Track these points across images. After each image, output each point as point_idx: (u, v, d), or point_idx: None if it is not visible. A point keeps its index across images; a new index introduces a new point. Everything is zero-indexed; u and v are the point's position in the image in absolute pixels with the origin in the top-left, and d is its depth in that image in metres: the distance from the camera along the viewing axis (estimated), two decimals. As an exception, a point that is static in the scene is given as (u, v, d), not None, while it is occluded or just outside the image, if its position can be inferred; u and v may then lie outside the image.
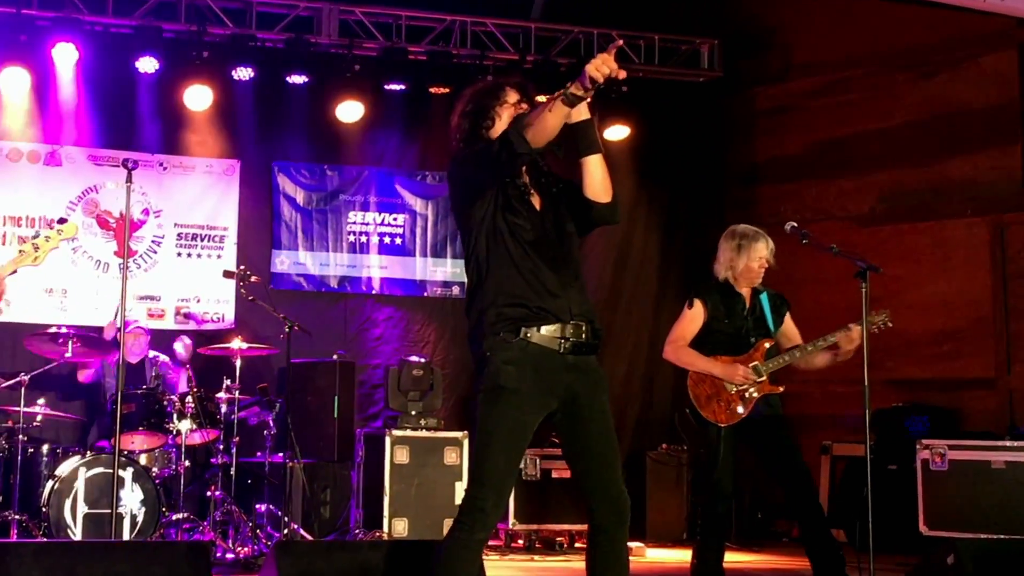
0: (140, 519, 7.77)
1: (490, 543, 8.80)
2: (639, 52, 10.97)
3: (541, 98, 4.20)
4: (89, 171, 9.99)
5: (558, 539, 9.35)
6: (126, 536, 7.60)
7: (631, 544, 6.23)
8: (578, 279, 4.31)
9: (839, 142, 11.03)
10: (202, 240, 10.28)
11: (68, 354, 8.08)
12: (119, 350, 6.48)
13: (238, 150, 10.41)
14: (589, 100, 4.07)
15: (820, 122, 11.17)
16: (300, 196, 10.64)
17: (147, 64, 9.62)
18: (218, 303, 10.23)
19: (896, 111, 10.71)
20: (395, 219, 10.87)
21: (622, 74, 3.90)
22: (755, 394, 6.17)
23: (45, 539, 7.37)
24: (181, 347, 9.13)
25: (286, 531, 8.25)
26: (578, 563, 4.42)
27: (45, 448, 8.14)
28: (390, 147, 10.85)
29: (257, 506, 8.42)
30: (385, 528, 8.78)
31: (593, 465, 4.23)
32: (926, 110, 10.55)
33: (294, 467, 8.81)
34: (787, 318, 6.42)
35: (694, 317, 6.31)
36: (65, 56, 9.46)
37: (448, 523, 4.23)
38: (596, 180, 4.26)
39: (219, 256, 10.27)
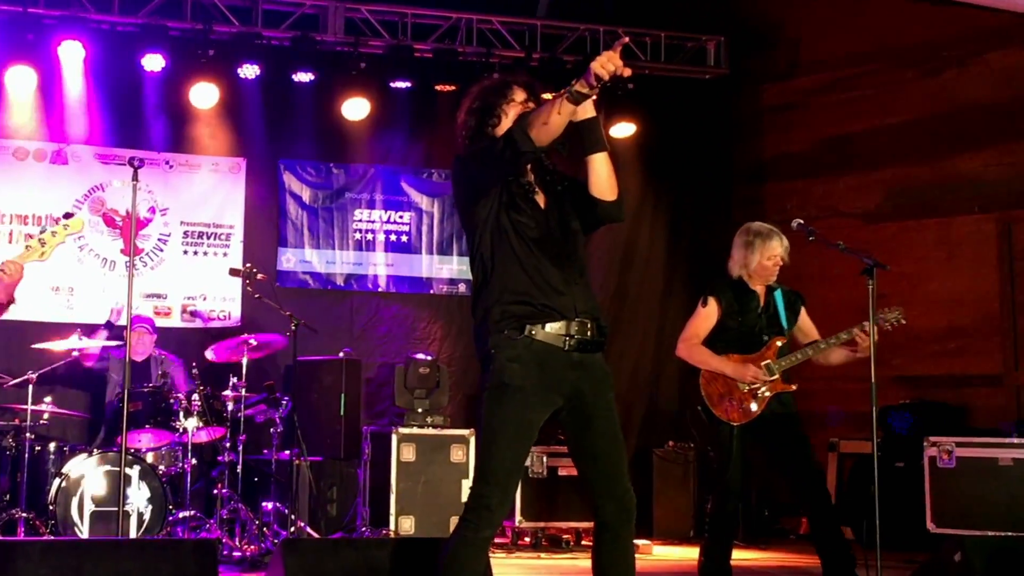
0: (147, 517, 7.78)
1: (497, 541, 8.81)
2: (645, 49, 10.96)
3: (547, 96, 4.19)
4: (95, 169, 10.00)
5: (564, 537, 9.35)
6: (133, 534, 7.61)
7: (637, 541, 6.24)
8: (583, 276, 4.31)
9: (846, 139, 11.01)
10: (208, 238, 10.29)
11: (75, 353, 8.09)
12: (123, 342, 6.48)
13: (244, 148, 10.41)
14: (595, 98, 4.06)
15: (827, 119, 11.15)
16: (306, 194, 10.64)
17: (153, 62, 9.62)
18: (224, 301, 10.24)
19: (903, 108, 10.68)
20: (401, 217, 10.87)
21: (627, 72, 3.89)
22: (767, 393, 6.16)
23: (52, 537, 7.38)
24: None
25: (293, 529, 8.25)
26: (585, 561, 4.41)
27: (52, 446, 8.15)
28: (396, 145, 10.85)
29: (264, 504, 8.43)
30: (392, 526, 8.78)
31: (599, 463, 4.23)
32: (933, 107, 10.53)
33: (301, 465, 8.81)
34: (803, 314, 6.41)
35: (708, 315, 6.30)
36: (71, 54, 9.48)
37: (454, 521, 4.23)
38: (602, 178, 4.25)
39: (225, 254, 10.28)
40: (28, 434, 7.88)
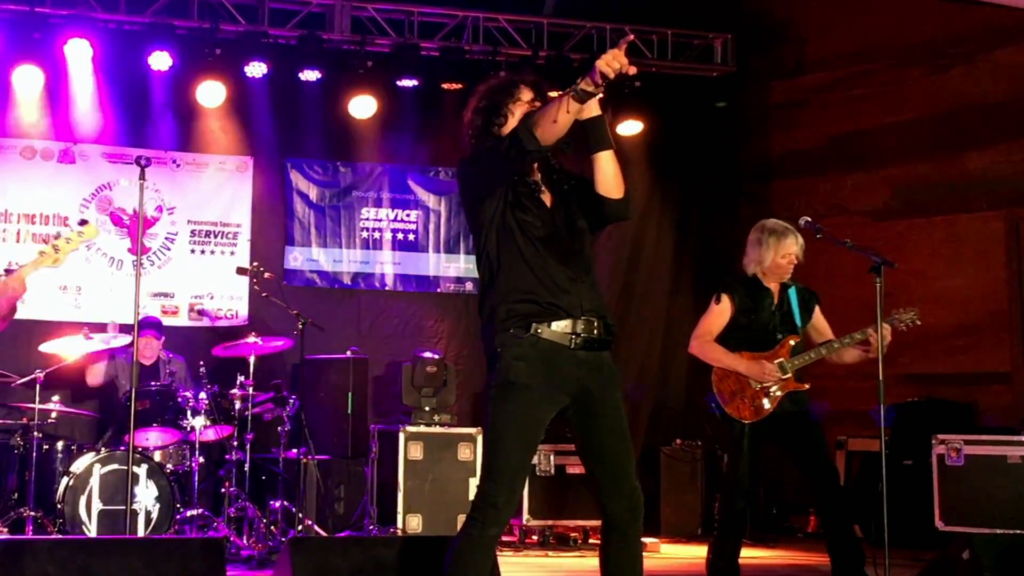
0: (155, 515, 7.78)
1: (504, 539, 8.83)
2: (652, 47, 10.95)
3: (554, 95, 4.18)
4: (102, 168, 10.02)
5: (572, 535, 9.34)
6: (140, 532, 7.62)
7: (645, 540, 6.23)
8: (589, 275, 4.30)
9: (853, 136, 10.99)
10: (215, 237, 10.30)
11: (83, 352, 8.10)
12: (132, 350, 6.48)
13: (251, 147, 10.42)
14: (601, 96, 4.05)
15: (834, 116, 11.12)
16: (313, 192, 10.65)
17: (160, 61, 9.63)
18: (232, 300, 10.25)
19: (910, 105, 10.66)
20: (408, 215, 10.87)
21: (632, 69, 3.88)
22: (780, 392, 6.15)
23: (60, 535, 7.40)
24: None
25: (300, 527, 8.26)
26: (592, 559, 4.40)
27: (60, 445, 8.17)
28: (403, 143, 10.85)
29: (271, 502, 8.43)
30: (399, 524, 8.79)
31: (606, 461, 4.22)
32: (941, 104, 10.50)
33: (308, 463, 8.83)
34: (816, 312, 6.40)
35: (721, 312, 6.29)
36: (78, 53, 9.48)
37: (462, 519, 4.23)
38: (608, 176, 4.24)
39: (232, 253, 10.29)
40: (36, 433, 7.90)
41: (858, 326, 6.24)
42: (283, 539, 7.82)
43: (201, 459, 8.22)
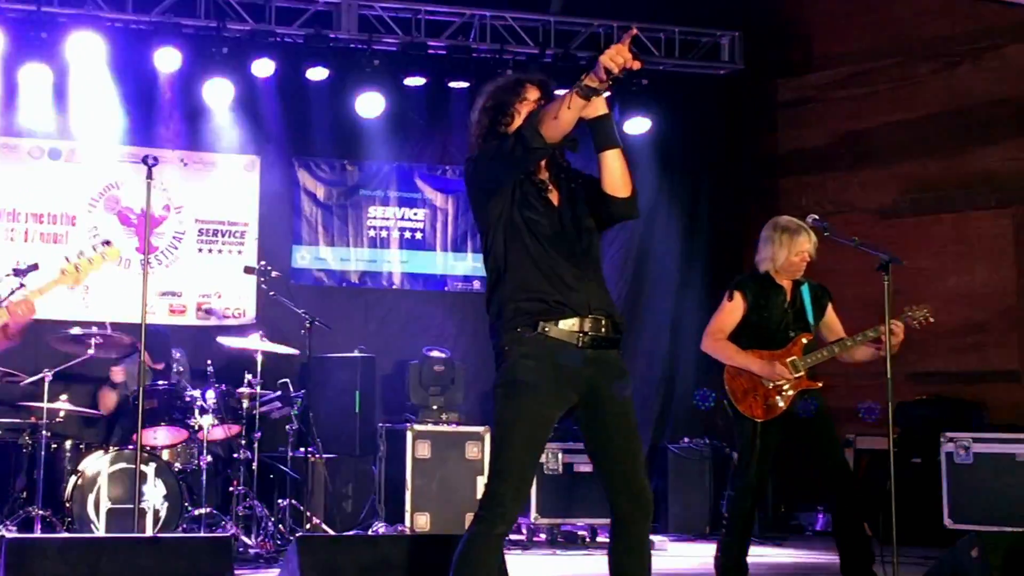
0: (163, 514, 7.79)
1: (512, 537, 8.83)
2: (659, 45, 10.94)
3: (561, 93, 4.17)
4: (110, 167, 10.03)
5: (580, 533, 9.34)
6: (149, 531, 7.62)
7: (653, 538, 6.22)
8: (597, 273, 4.29)
9: (861, 134, 10.97)
10: (223, 236, 10.31)
11: (91, 351, 8.10)
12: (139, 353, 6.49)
13: (258, 145, 10.43)
14: (608, 94, 4.04)
15: (842, 114, 11.11)
16: (320, 191, 10.66)
17: (167, 60, 9.63)
18: (239, 298, 10.25)
19: (918, 102, 10.64)
20: (415, 214, 10.87)
21: (636, 64, 3.85)
22: (792, 390, 6.14)
23: (68, 534, 7.40)
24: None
25: (308, 526, 8.27)
26: (601, 557, 4.40)
27: (68, 444, 8.16)
28: (410, 142, 10.84)
29: (279, 501, 8.45)
30: (407, 522, 8.79)
31: (615, 459, 4.21)
32: (949, 101, 10.48)
33: (316, 462, 8.83)
34: (829, 310, 6.40)
35: (733, 309, 6.28)
36: (85, 52, 9.49)
37: (469, 517, 4.23)
38: (615, 175, 4.23)
39: (240, 252, 10.30)
40: (44, 432, 7.90)
41: (866, 324, 6.23)
42: (291, 538, 7.83)
43: (209, 458, 8.23)
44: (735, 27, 11.20)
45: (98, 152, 9.99)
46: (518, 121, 4.26)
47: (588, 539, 9.31)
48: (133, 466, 6.94)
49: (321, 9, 10.13)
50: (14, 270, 7.59)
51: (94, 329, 8.18)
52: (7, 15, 9.34)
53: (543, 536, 9.31)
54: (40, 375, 7.97)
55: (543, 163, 4.29)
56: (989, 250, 10.16)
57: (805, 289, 6.32)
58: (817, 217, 6.28)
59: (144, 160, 6.54)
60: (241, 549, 7.81)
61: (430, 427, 9.15)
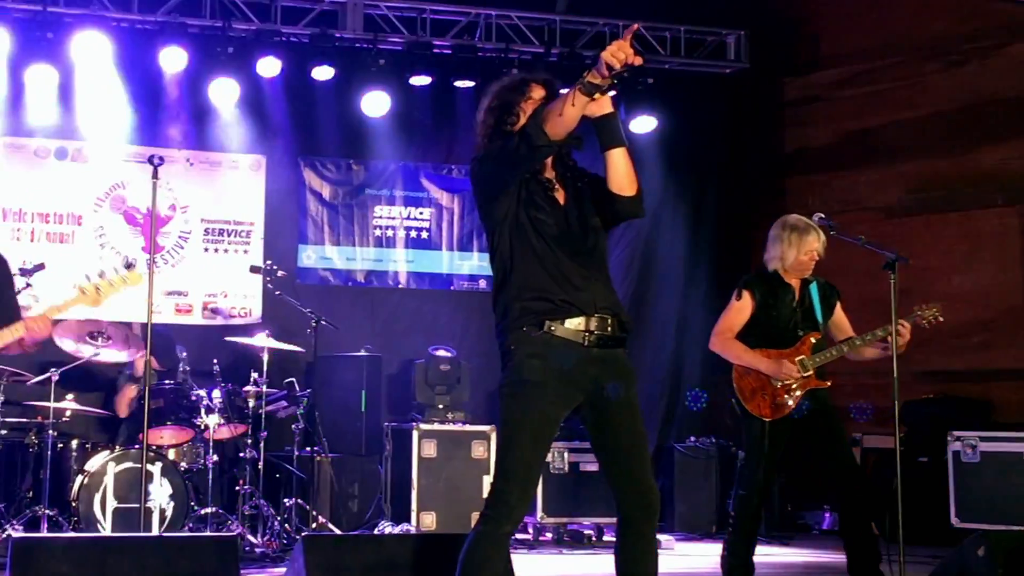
0: (169, 513, 7.79)
1: (518, 537, 8.83)
2: (665, 44, 10.93)
3: (566, 92, 4.17)
4: (116, 167, 10.04)
5: (586, 533, 9.33)
6: (155, 530, 7.62)
7: (659, 537, 6.21)
8: (603, 272, 4.29)
9: (867, 132, 10.95)
10: (229, 235, 10.31)
11: (97, 353, 8.10)
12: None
13: (264, 145, 10.43)
14: (614, 93, 4.04)
15: (848, 112, 11.09)
16: (326, 190, 10.66)
17: (173, 60, 9.63)
18: (245, 298, 10.26)
19: (925, 101, 10.62)
20: (421, 213, 10.87)
21: (638, 60, 3.83)
22: (800, 390, 6.13)
23: (75, 534, 7.41)
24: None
25: (314, 525, 8.27)
26: (607, 557, 4.39)
27: (74, 443, 8.18)
28: (415, 141, 10.84)
29: (285, 500, 8.45)
30: (413, 522, 8.79)
31: (621, 458, 4.21)
32: (955, 99, 10.46)
33: (322, 461, 8.84)
34: (837, 308, 6.39)
35: (741, 308, 6.27)
36: (91, 52, 9.49)
37: (476, 516, 4.23)
38: (620, 173, 4.23)
39: (246, 251, 10.30)
40: (51, 431, 7.91)
41: (873, 323, 6.22)
42: (297, 537, 7.83)
43: (215, 457, 8.23)
44: (741, 26, 11.18)
45: (104, 152, 10.00)
46: (523, 120, 4.26)
47: (594, 538, 9.29)
48: (139, 465, 6.95)
49: (327, 8, 10.13)
50: (20, 270, 7.61)
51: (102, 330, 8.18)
52: (13, 15, 9.36)
53: (549, 535, 9.30)
54: (47, 375, 7.98)
55: (549, 162, 4.29)
56: (996, 248, 10.14)
57: (814, 288, 6.31)
58: (823, 216, 6.27)
59: (150, 160, 6.54)
60: (247, 548, 7.82)
61: (436, 426, 9.14)
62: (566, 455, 9.22)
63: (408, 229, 10.84)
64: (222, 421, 8.26)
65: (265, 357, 8.46)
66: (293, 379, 8.85)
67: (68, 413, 8.17)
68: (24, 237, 9.74)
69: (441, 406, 9.39)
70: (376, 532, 8.60)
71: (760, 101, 11.55)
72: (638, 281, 11.19)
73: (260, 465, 8.36)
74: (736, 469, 8.70)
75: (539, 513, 9.13)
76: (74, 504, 7.72)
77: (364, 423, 9.41)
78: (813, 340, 6.22)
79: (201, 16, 9.77)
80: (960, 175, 10.38)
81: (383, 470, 9.25)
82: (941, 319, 6.24)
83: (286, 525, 8.20)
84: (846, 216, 9.78)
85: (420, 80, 10.33)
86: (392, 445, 9.22)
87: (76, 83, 9.72)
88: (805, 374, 6.14)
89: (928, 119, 10.60)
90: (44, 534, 7.39)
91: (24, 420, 8.29)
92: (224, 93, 9.93)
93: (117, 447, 8.00)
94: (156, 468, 7.80)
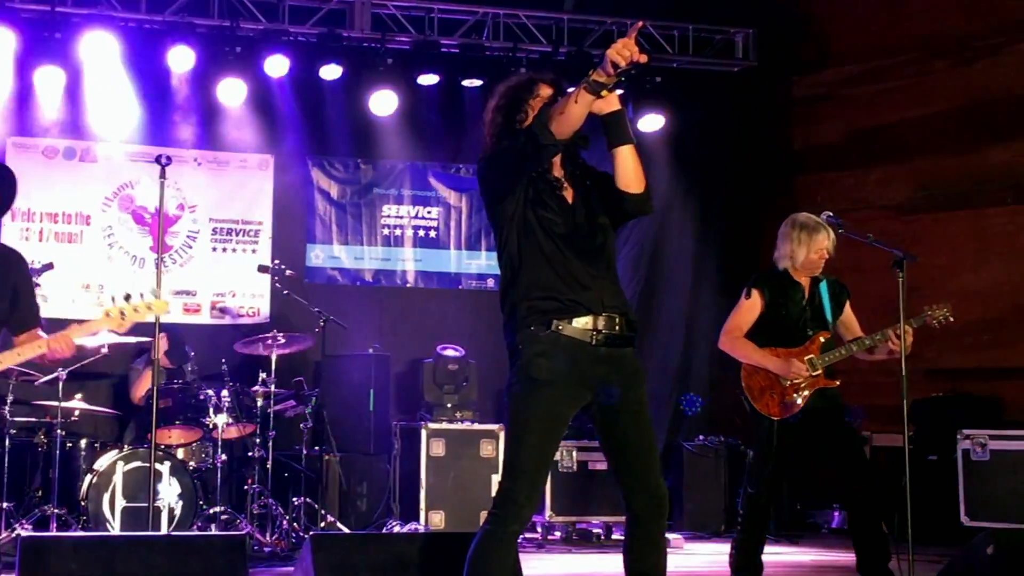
0: (178, 512, 7.81)
1: (527, 535, 8.82)
2: (673, 43, 10.92)
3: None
4: (124, 167, 10.05)
5: (595, 531, 9.33)
6: (164, 529, 7.64)
7: (668, 536, 6.20)
8: (611, 271, 4.29)
9: (877, 130, 10.92)
10: (237, 235, 10.32)
11: (105, 350, 8.12)
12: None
13: (272, 144, 10.44)
14: (621, 91, 4.03)
15: (857, 110, 11.06)
16: (334, 190, 10.67)
17: (180, 59, 9.64)
18: (253, 297, 10.27)
19: (934, 98, 10.59)
20: (429, 212, 10.88)
21: (643, 58, 3.83)
22: (809, 389, 6.12)
23: (84, 533, 7.42)
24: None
25: (323, 524, 8.27)
26: (616, 555, 4.38)
27: (83, 443, 8.20)
28: (423, 140, 10.84)
29: (294, 499, 8.45)
30: (422, 520, 8.79)
31: (630, 457, 4.20)
32: (965, 97, 10.43)
33: (330, 460, 8.84)
34: (847, 307, 6.37)
35: (751, 307, 6.26)
36: (99, 52, 9.51)
37: (484, 515, 4.22)
38: (628, 171, 4.22)
39: (254, 251, 10.31)
40: (59, 431, 7.93)
41: (883, 321, 6.20)
42: (305, 536, 7.84)
43: (224, 456, 8.24)
44: (749, 24, 11.17)
45: (112, 152, 10.02)
46: (532, 117, 4.25)
47: (603, 537, 9.29)
48: (148, 464, 6.96)
49: (334, 8, 10.13)
50: (30, 269, 7.60)
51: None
52: (21, 15, 9.37)
53: (558, 534, 9.30)
54: (55, 374, 7.99)
55: (557, 160, 4.28)
56: (1005, 246, 10.11)
57: (823, 286, 6.30)
58: (832, 214, 6.26)
59: (158, 159, 6.54)
60: (256, 547, 7.82)
61: (444, 425, 9.14)
62: (575, 454, 9.22)
63: (416, 228, 10.84)
64: (231, 420, 8.27)
65: (273, 357, 8.47)
66: (301, 378, 8.86)
67: (77, 412, 8.18)
68: (33, 237, 9.75)
69: (449, 405, 9.39)
70: (384, 531, 8.61)
71: (768, 99, 11.53)
72: (646, 280, 11.18)
73: (268, 464, 8.36)
74: (745, 468, 8.70)
75: (548, 512, 9.13)
76: (83, 503, 7.73)
77: (372, 422, 9.41)
78: (822, 339, 6.21)
79: (209, 16, 9.78)
80: (969, 173, 10.36)
81: (391, 469, 9.26)
82: (952, 319, 6.23)
83: (295, 524, 8.21)
84: (855, 214, 9.76)
85: (428, 79, 10.34)
86: (400, 444, 9.23)
87: (84, 83, 9.74)
88: (814, 373, 6.13)
89: (937, 117, 10.57)
90: (53, 533, 7.41)
91: (33, 419, 8.31)
92: (232, 93, 9.94)
93: (126, 446, 8.01)
94: (165, 467, 7.81)
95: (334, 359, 9.35)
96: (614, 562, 4.53)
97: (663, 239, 11.28)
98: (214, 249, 10.27)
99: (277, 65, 9.89)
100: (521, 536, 4.30)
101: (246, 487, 8.34)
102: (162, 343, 8.64)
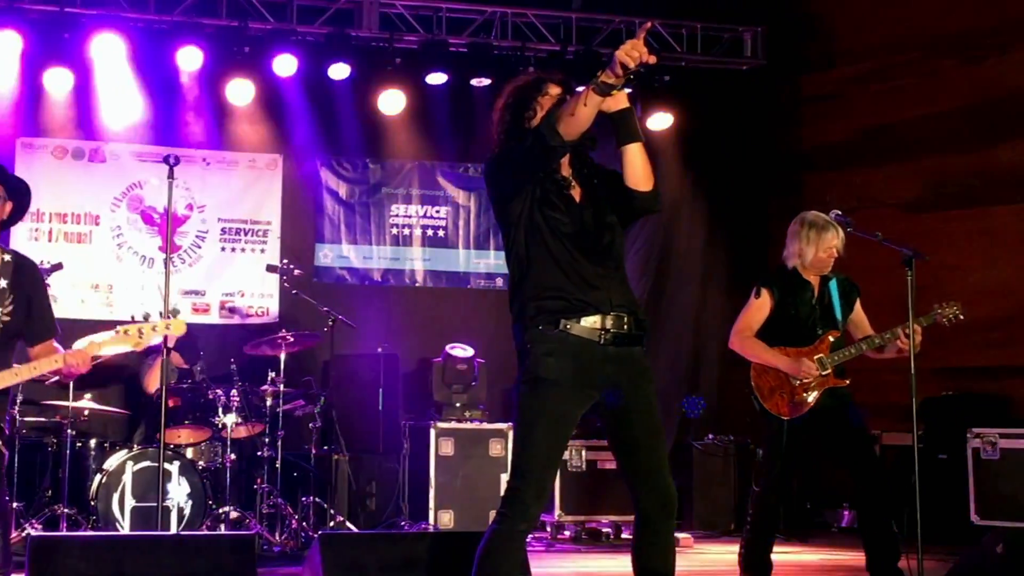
0: (187, 512, 7.82)
1: (536, 535, 8.82)
2: (682, 41, 10.91)
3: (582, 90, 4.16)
4: (133, 167, 10.07)
5: (604, 530, 9.32)
6: (173, 529, 7.65)
7: (677, 535, 6.20)
8: (619, 270, 4.28)
9: (885, 128, 10.90)
10: (246, 234, 10.33)
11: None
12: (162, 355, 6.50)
13: (281, 144, 10.45)
14: (629, 90, 4.02)
15: (866, 109, 11.04)
16: (343, 189, 10.67)
17: (189, 60, 9.65)
18: (262, 297, 10.27)
19: (943, 97, 10.57)
20: (437, 211, 10.88)
21: (652, 59, 3.81)
22: (819, 389, 6.11)
23: (93, 532, 7.43)
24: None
25: (332, 523, 8.27)
26: (625, 555, 4.38)
27: (93, 442, 8.21)
28: (432, 139, 10.84)
29: (303, 499, 8.46)
30: (431, 520, 8.79)
31: (639, 456, 4.20)
32: (974, 95, 10.40)
33: (339, 460, 8.85)
34: (857, 306, 6.35)
35: (760, 306, 6.24)
36: (108, 52, 9.52)
37: (493, 515, 4.22)
38: (637, 169, 4.22)
39: (263, 250, 10.32)
40: (69, 431, 7.94)
41: (892, 319, 6.19)
42: (315, 535, 7.84)
43: (233, 456, 8.25)
44: (758, 22, 11.16)
45: (121, 152, 10.03)
46: (541, 115, 4.25)
47: (612, 536, 9.29)
48: (157, 464, 6.97)
49: (343, 7, 10.13)
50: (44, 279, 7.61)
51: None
52: (30, 16, 9.39)
53: (567, 533, 9.30)
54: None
55: (565, 160, 4.28)
56: (1014, 245, 10.08)
57: (833, 285, 6.28)
58: (840, 212, 6.24)
59: (166, 159, 6.54)
60: (265, 547, 7.84)
61: (453, 424, 9.15)
62: (584, 453, 9.21)
63: (425, 227, 10.84)
64: (240, 420, 8.28)
65: (282, 356, 8.47)
66: (310, 378, 8.87)
67: (86, 412, 8.20)
68: (42, 237, 9.77)
69: (458, 404, 9.39)
70: (394, 530, 8.61)
71: (777, 97, 11.51)
72: (655, 278, 11.17)
73: (278, 464, 8.37)
74: (754, 467, 8.68)
75: (557, 511, 9.12)
76: (93, 503, 7.75)
77: (381, 422, 9.42)
78: (832, 338, 6.19)
79: (217, 15, 9.79)
80: (979, 171, 10.33)
81: (400, 468, 9.26)
82: (962, 317, 6.21)
83: (304, 524, 8.21)
84: (864, 212, 9.75)
85: (436, 78, 10.34)
86: (409, 443, 9.23)
87: (93, 83, 9.76)
88: (824, 373, 6.12)
89: (946, 115, 10.54)
90: (63, 533, 7.43)
91: (43, 420, 8.34)
92: (240, 92, 9.96)
93: (135, 446, 8.03)
94: (174, 467, 7.83)
95: (343, 358, 9.35)
96: (623, 562, 4.53)
97: (672, 238, 11.28)
98: (223, 249, 10.28)
99: (285, 65, 9.90)
100: (530, 536, 4.30)
101: (255, 487, 8.35)
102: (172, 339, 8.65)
